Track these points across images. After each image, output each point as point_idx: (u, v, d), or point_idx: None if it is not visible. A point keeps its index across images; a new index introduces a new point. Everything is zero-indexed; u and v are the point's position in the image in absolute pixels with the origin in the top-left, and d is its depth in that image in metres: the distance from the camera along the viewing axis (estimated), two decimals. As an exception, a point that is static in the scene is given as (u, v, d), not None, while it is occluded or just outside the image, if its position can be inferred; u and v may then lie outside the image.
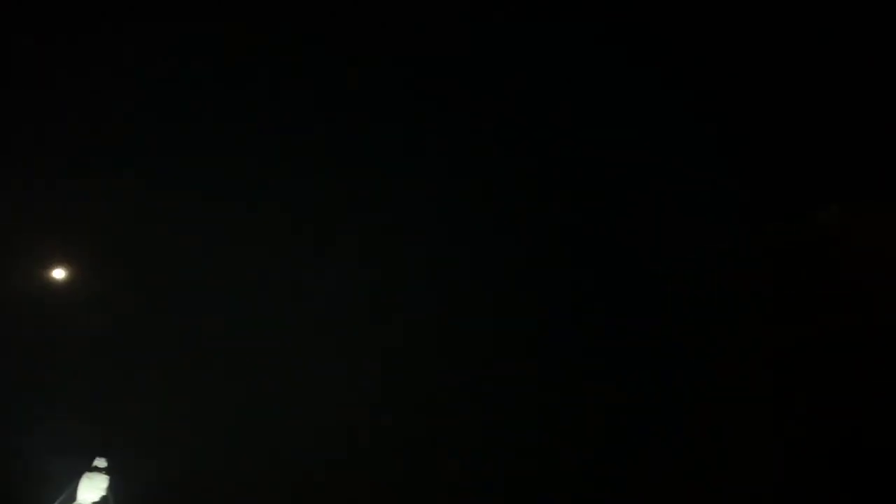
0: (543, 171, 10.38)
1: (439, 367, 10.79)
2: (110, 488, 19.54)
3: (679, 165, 9.61)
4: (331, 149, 10.79)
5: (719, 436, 9.12)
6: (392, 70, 10.24)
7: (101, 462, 19.85)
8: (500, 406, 10.14)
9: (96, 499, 20.07)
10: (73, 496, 20.30)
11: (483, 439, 10.15)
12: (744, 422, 8.90)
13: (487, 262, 10.66)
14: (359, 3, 9.70)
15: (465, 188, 10.19)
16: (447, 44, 9.88)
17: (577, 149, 9.96)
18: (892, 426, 8.12)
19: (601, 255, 10.74)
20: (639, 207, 10.10)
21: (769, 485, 8.68)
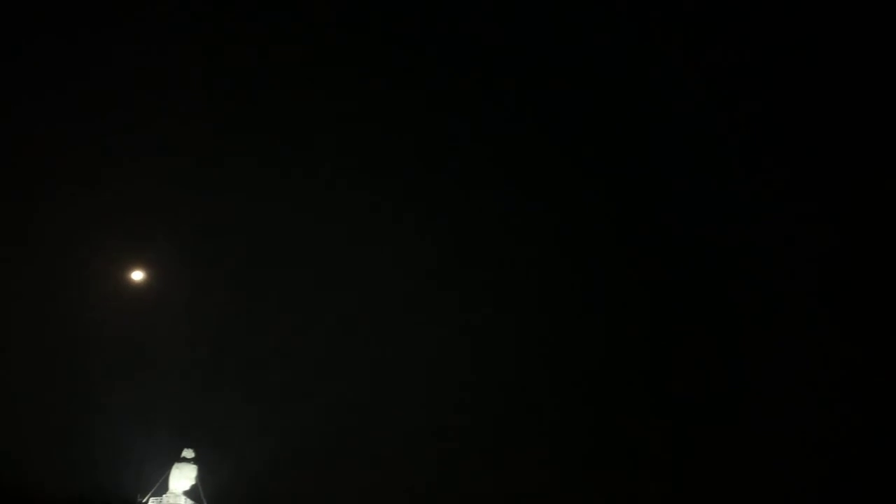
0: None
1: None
2: (199, 477, 23.19)
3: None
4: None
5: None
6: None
7: (188, 453, 23.56)
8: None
9: (187, 487, 23.58)
10: (165, 485, 23.95)
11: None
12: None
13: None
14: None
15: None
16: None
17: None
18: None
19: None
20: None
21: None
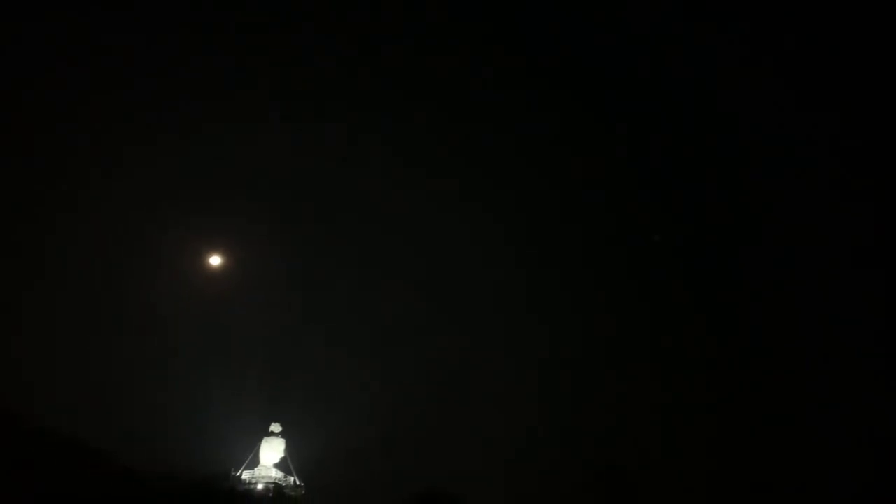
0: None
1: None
2: (287, 449, 26.23)
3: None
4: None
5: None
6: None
7: (276, 427, 26.60)
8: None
9: (276, 459, 26.54)
10: (257, 458, 26.95)
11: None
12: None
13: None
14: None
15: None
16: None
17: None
18: None
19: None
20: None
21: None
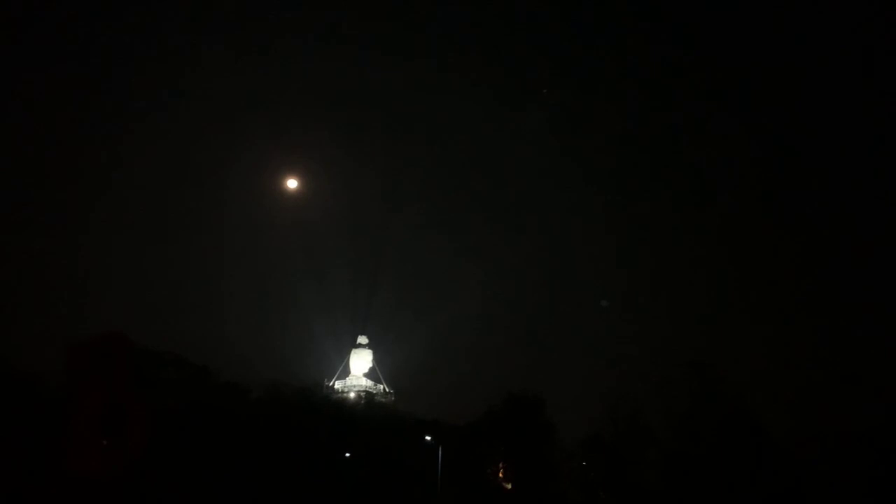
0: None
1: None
2: (374, 359, 27.75)
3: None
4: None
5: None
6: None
7: (363, 339, 28.03)
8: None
9: (366, 369, 27.90)
10: (347, 368, 28.44)
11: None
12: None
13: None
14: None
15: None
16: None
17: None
18: None
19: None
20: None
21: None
